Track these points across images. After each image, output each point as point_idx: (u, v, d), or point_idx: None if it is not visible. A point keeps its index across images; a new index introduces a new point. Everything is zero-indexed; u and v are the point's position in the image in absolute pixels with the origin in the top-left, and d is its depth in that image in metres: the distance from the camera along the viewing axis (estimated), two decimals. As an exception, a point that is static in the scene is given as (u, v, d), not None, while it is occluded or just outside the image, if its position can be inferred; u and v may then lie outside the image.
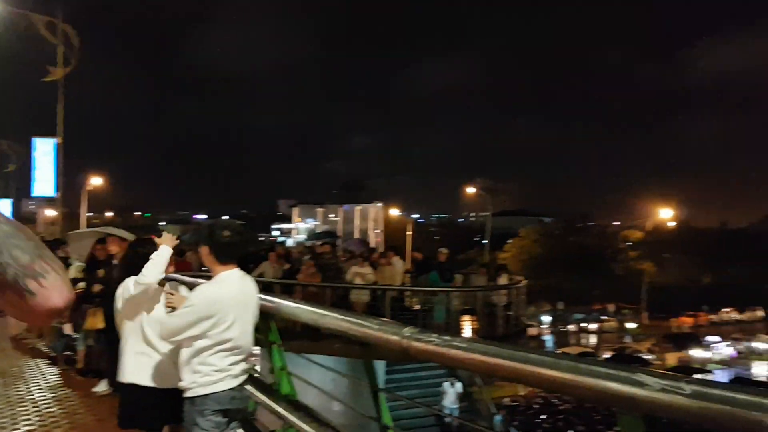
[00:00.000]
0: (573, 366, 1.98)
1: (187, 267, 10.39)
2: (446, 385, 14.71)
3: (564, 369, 1.99)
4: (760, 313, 61.05)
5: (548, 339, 47.48)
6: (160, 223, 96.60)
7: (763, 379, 35.64)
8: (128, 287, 3.76)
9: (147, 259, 3.71)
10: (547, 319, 52.27)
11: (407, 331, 2.73)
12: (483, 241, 57.66)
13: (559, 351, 41.88)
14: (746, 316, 59.75)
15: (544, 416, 24.80)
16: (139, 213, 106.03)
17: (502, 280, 14.56)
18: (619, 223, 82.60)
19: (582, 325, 52.20)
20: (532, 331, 46.69)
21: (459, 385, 14.81)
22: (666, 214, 67.45)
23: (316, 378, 4.66)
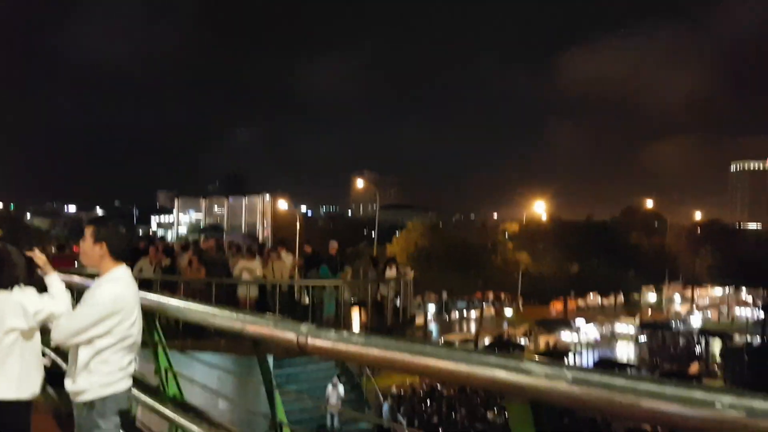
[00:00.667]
0: (465, 356, 2.07)
1: (69, 262, 9.65)
2: (329, 389, 14.45)
3: (457, 360, 2.08)
4: (620, 299, 66.96)
5: (433, 328, 49.11)
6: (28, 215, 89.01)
7: (624, 358, 39.13)
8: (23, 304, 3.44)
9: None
10: (432, 308, 54.02)
11: (304, 328, 2.72)
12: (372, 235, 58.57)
13: (442, 338, 43.60)
14: (609, 301, 65.26)
15: (429, 402, 25.68)
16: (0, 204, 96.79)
17: (391, 272, 14.83)
18: (497, 216, 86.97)
19: (464, 313, 54.56)
20: (419, 320, 48.16)
21: (341, 388, 14.62)
22: (539, 208, 71.81)
23: (202, 376, 4.52)
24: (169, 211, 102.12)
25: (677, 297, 66.15)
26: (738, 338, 41.58)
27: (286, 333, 2.81)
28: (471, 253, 50.46)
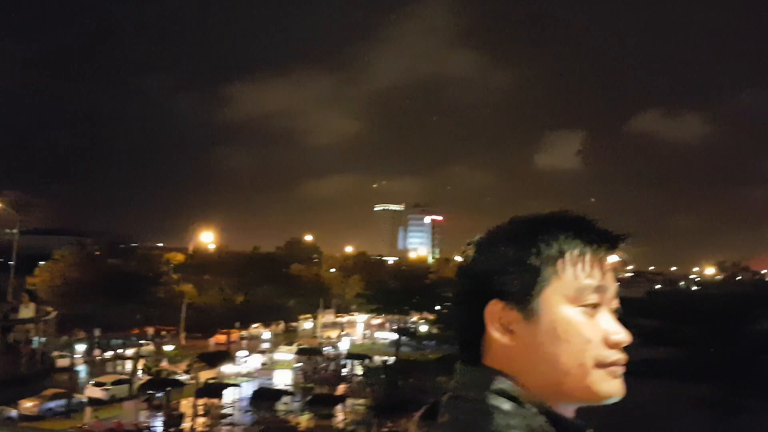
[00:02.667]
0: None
1: None
2: None
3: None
4: (281, 327, 70.37)
5: (82, 369, 44.04)
6: None
7: (281, 385, 41.01)
8: None
9: None
10: (81, 348, 48.46)
11: None
12: (9, 263, 50.05)
13: (93, 380, 39.35)
14: (272, 329, 67.97)
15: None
16: None
17: (27, 310, 12.97)
18: (162, 245, 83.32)
19: (120, 351, 50.35)
20: (64, 362, 42.46)
21: None
22: (207, 239, 71.33)
23: None
24: None
25: (330, 323, 72.51)
26: (378, 358, 47.52)
27: None
28: (131, 284, 47.12)
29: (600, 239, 0.99)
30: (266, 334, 65.36)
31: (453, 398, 0.98)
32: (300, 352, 50.84)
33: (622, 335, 0.97)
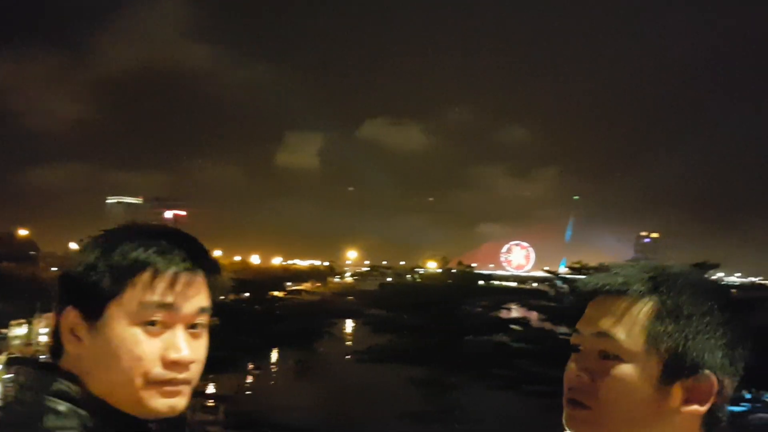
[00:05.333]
0: None
1: None
2: None
3: None
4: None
5: None
6: None
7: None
8: None
9: None
10: None
11: None
12: None
13: None
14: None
15: None
16: None
17: None
18: None
19: None
20: None
21: None
22: None
23: None
24: None
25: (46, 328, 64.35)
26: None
27: None
28: None
29: (181, 256, 0.99)
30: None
31: (11, 401, 0.97)
32: (11, 362, 44.25)
33: (179, 354, 0.96)
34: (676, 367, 0.91)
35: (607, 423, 0.93)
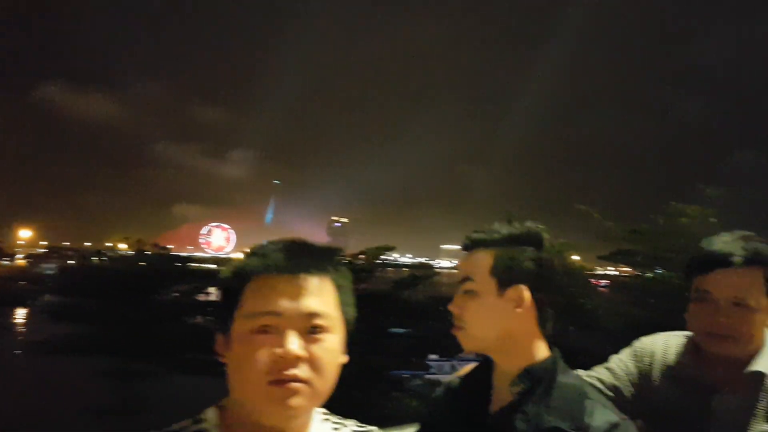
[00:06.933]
0: None
1: None
2: None
3: None
4: None
5: None
6: None
7: None
8: None
9: None
10: None
11: None
12: None
13: None
14: None
15: None
16: None
17: None
18: None
19: None
20: None
21: None
22: None
23: None
24: None
25: None
26: None
27: None
28: None
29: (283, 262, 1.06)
30: None
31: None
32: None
33: (283, 349, 1.01)
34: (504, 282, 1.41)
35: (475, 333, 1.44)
